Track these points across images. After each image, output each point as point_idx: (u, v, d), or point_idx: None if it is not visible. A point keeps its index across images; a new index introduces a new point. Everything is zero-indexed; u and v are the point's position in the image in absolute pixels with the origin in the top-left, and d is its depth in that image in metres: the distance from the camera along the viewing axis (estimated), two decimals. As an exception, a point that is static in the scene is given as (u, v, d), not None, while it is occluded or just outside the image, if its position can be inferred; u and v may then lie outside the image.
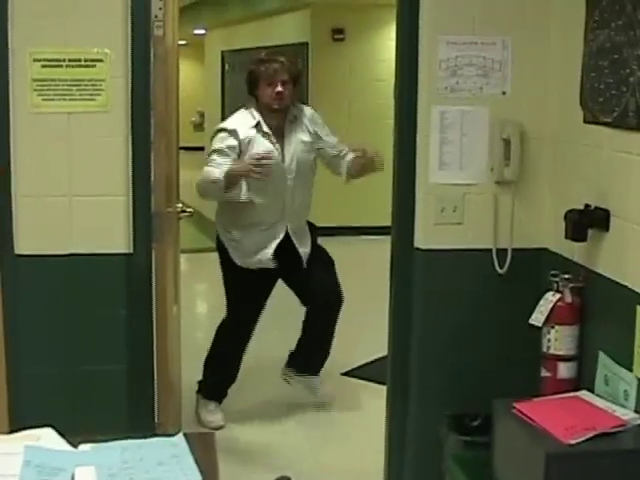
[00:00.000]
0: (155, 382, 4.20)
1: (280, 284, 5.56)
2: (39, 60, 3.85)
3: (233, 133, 5.20)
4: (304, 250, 5.43)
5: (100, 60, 3.87)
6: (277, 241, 5.31)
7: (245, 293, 5.46)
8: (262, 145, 5.20)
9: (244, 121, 5.28)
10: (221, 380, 5.66)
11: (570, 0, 3.89)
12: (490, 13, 4.04)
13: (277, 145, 5.26)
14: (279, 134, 5.30)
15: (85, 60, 3.87)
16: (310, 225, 5.57)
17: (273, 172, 5.09)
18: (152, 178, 4.06)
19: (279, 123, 5.31)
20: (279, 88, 5.20)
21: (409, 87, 4.09)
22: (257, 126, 5.25)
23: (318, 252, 5.55)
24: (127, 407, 4.08)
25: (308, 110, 5.48)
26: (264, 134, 5.25)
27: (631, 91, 3.39)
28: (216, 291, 10.09)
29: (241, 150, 5.18)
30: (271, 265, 5.32)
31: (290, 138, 5.32)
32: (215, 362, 5.61)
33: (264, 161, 4.99)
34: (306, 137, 5.35)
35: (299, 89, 5.46)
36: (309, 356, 5.71)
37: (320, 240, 5.60)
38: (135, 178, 3.98)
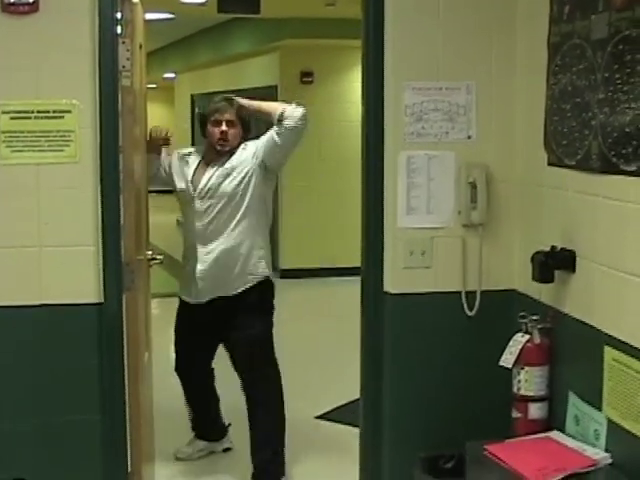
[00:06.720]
0: (127, 431, 4.19)
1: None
2: (7, 112, 3.86)
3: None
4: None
5: (68, 111, 3.89)
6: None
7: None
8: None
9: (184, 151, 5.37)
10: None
11: (532, 44, 3.96)
12: (454, 59, 4.10)
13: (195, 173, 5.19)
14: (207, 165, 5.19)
15: (54, 111, 3.88)
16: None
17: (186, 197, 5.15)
18: (122, 227, 4.07)
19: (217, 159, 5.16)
20: (223, 127, 5.11)
21: (375, 133, 4.14)
22: (187, 155, 5.28)
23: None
24: (100, 457, 4.05)
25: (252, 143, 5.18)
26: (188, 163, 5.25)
27: (593, 134, 3.44)
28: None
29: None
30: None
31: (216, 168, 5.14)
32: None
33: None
34: (242, 169, 5.07)
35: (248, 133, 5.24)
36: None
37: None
38: (105, 227, 3.98)
